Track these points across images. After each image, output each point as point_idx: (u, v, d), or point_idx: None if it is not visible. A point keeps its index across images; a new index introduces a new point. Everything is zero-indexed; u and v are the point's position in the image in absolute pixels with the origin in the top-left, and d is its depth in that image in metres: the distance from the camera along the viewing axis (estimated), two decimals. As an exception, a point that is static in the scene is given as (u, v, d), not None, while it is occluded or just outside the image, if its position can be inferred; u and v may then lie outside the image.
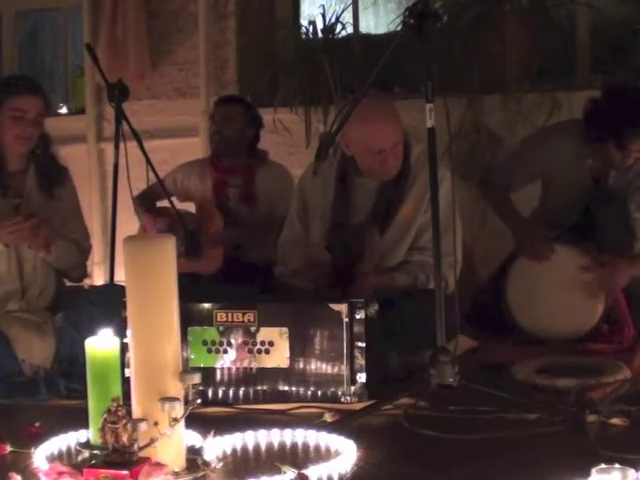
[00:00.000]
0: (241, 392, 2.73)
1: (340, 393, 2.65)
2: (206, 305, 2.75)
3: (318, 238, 3.29)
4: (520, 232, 3.60)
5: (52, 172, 3.27)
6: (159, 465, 1.96)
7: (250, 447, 2.28)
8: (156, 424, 1.96)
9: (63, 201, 3.30)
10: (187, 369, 2.25)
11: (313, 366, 2.68)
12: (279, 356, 2.70)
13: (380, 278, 3.12)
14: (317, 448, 2.26)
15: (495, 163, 3.79)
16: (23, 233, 3.06)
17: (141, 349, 2.03)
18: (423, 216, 3.18)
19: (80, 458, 2.10)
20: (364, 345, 2.64)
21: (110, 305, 2.79)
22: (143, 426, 1.94)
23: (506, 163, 3.78)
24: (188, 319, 2.65)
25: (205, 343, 2.74)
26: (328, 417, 2.46)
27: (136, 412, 2.00)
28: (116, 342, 2.06)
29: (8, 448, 2.27)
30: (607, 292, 3.39)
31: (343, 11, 4.80)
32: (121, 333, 2.11)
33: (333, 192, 3.28)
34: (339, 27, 4.76)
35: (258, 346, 2.71)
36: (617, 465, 1.82)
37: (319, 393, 2.67)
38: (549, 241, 3.50)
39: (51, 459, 2.17)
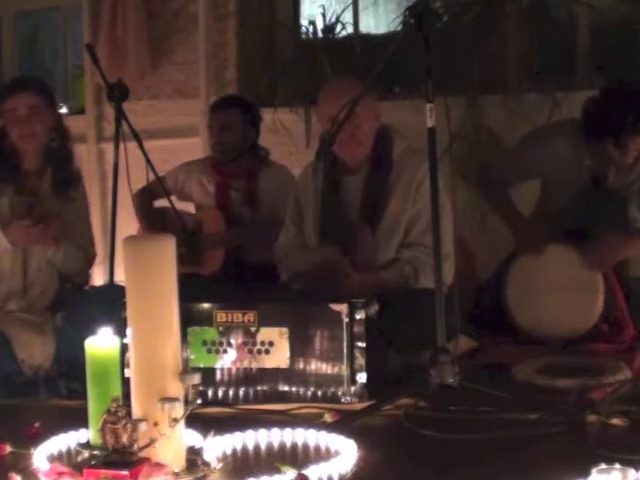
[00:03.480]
0: (241, 392, 2.73)
1: (340, 393, 2.65)
2: (206, 305, 2.74)
3: (311, 238, 3.29)
4: (519, 227, 3.60)
5: (68, 175, 3.28)
6: (159, 465, 1.96)
7: (250, 447, 2.28)
8: (156, 424, 1.96)
9: (75, 205, 3.32)
10: (187, 369, 2.25)
11: (313, 366, 2.68)
12: (279, 356, 2.70)
13: (368, 276, 3.12)
14: (317, 448, 2.26)
15: (492, 160, 3.78)
16: (33, 236, 3.08)
17: (141, 349, 2.03)
18: (411, 210, 3.18)
19: (80, 458, 2.09)
20: (364, 345, 2.64)
21: (110, 305, 2.79)
22: (143, 426, 1.93)
23: (503, 159, 3.77)
24: (188, 319, 2.65)
25: (205, 343, 2.74)
26: (328, 417, 2.46)
27: (136, 412, 2.00)
28: (116, 342, 2.06)
29: (8, 448, 2.27)
30: (602, 269, 3.38)
31: (343, 11, 4.81)
32: (121, 333, 2.11)
33: (322, 191, 3.29)
34: (339, 27, 4.78)
35: (258, 346, 2.71)
36: (617, 465, 1.82)
37: (319, 393, 2.67)
38: (546, 235, 3.49)
39: (51, 459, 2.16)
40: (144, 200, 4.17)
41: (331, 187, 3.28)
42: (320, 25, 4.78)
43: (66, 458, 2.22)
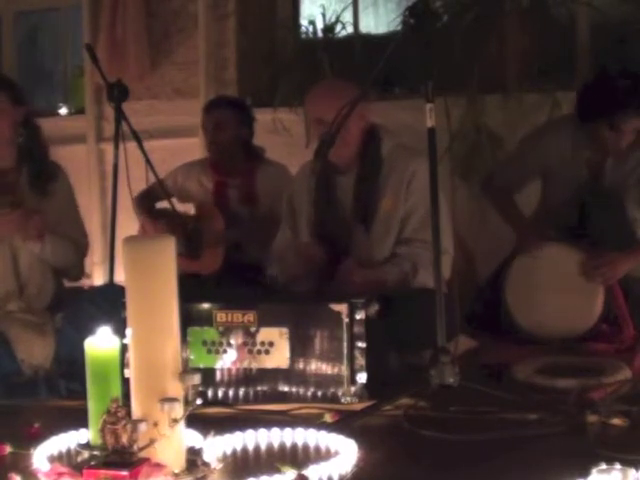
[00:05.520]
0: (241, 392, 2.73)
1: (340, 393, 2.65)
2: (206, 305, 2.74)
3: (306, 238, 3.29)
4: (523, 232, 3.61)
5: (43, 169, 3.26)
6: (159, 466, 1.95)
7: (250, 447, 2.28)
8: (156, 425, 1.96)
9: (57, 198, 3.28)
10: (187, 369, 2.25)
11: (313, 366, 2.68)
12: (279, 356, 2.70)
13: (370, 273, 3.12)
14: (317, 448, 2.26)
15: (495, 167, 3.80)
16: (13, 224, 3.07)
17: (141, 349, 2.03)
18: (404, 206, 3.18)
19: (80, 459, 2.09)
20: (364, 345, 2.64)
21: (110, 305, 2.79)
22: (143, 427, 1.93)
23: (506, 165, 3.79)
24: (188, 319, 2.65)
25: (205, 343, 2.74)
26: (328, 417, 2.46)
27: (136, 413, 2.00)
28: (116, 342, 2.06)
29: (8, 448, 2.27)
30: (604, 284, 3.39)
31: (343, 11, 4.82)
32: (121, 333, 2.11)
33: (314, 191, 3.29)
34: (339, 27, 4.78)
35: (258, 347, 2.71)
36: (617, 465, 1.82)
37: (319, 393, 2.67)
38: (546, 238, 3.51)
39: (51, 460, 2.16)
40: (146, 204, 4.18)
41: (324, 187, 3.29)
42: (320, 25, 4.79)
43: (66, 458, 2.22)
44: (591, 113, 3.42)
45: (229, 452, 2.23)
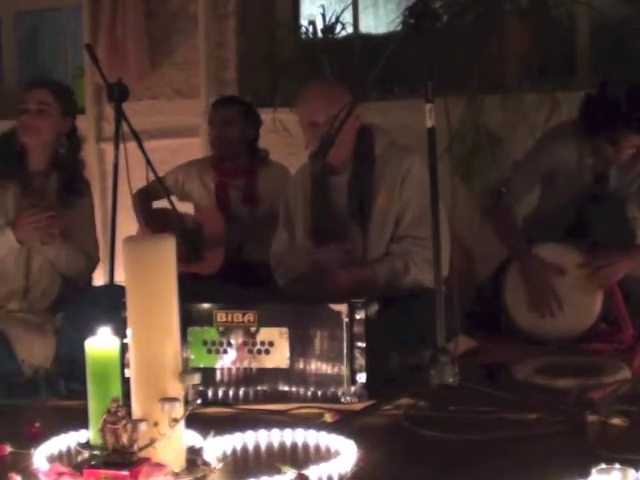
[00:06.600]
0: (241, 392, 2.73)
1: (340, 393, 2.65)
2: (206, 305, 2.75)
3: (302, 241, 3.29)
4: (523, 262, 3.55)
5: (74, 183, 3.30)
6: (159, 465, 1.96)
7: (250, 447, 2.28)
8: (156, 424, 1.96)
9: (79, 212, 3.32)
10: (187, 369, 2.25)
11: (313, 366, 2.68)
12: (279, 356, 2.70)
13: (359, 271, 3.11)
14: (317, 448, 2.26)
15: (500, 184, 3.73)
16: (39, 225, 3.08)
17: (141, 349, 2.03)
18: (398, 203, 3.18)
19: (80, 458, 2.09)
20: (364, 345, 2.64)
21: (110, 305, 2.79)
22: (143, 426, 1.93)
23: (512, 179, 3.70)
24: (188, 319, 2.65)
25: (205, 343, 2.74)
26: (328, 417, 2.46)
27: (136, 412, 2.00)
28: (116, 342, 2.06)
29: (8, 448, 2.27)
30: (604, 283, 3.38)
31: (343, 11, 4.82)
32: (121, 333, 2.11)
33: (310, 192, 3.29)
34: (339, 27, 4.78)
35: (258, 346, 2.71)
36: (617, 465, 1.82)
37: (319, 393, 2.67)
38: (553, 272, 3.46)
39: (51, 460, 2.17)
40: (143, 201, 4.18)
41: (319, 188, 3.29)
42: (320, 25, 4.78)
43: (66, 458, 2.22)
44: (591, 128, 3.42)
45: (229, 452, 2.24)
